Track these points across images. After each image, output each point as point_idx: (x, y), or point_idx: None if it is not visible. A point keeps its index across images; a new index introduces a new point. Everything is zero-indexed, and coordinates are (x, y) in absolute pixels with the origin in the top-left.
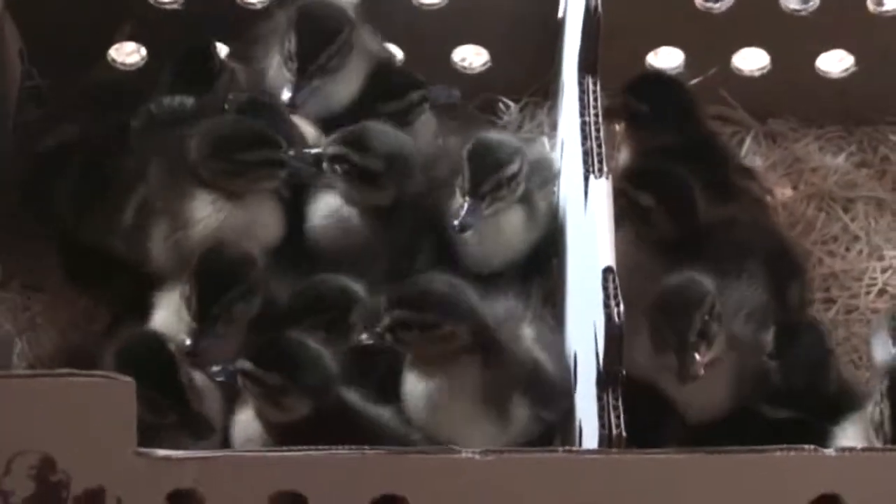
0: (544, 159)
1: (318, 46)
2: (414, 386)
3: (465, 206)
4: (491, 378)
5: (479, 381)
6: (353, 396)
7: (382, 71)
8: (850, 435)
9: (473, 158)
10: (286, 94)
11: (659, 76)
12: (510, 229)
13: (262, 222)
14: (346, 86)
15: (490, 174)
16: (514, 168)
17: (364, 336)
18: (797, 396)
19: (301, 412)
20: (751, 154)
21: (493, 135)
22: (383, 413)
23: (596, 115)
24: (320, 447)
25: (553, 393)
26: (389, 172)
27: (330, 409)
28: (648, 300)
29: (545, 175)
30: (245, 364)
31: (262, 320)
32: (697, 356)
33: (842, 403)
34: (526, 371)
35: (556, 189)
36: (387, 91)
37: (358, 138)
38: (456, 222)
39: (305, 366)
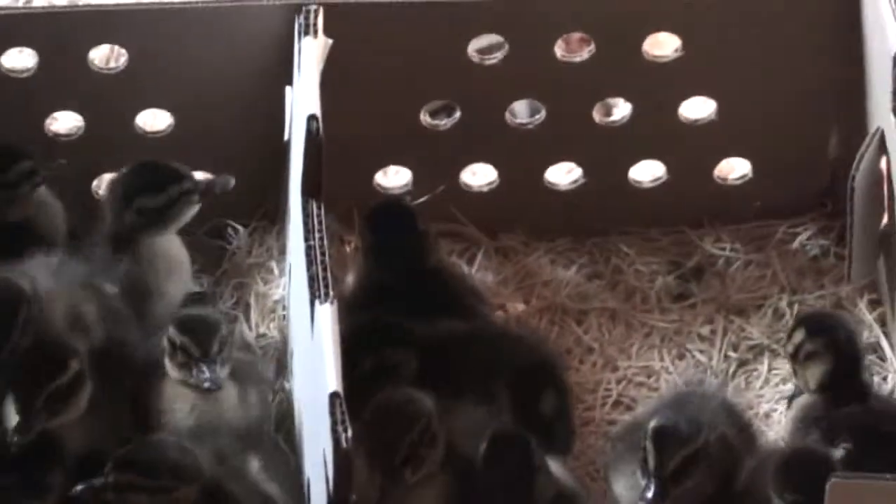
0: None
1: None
2: None
3: (204, 370)
4: None
5: None
6: None
7: (147, 165)
8: None
9: (190, 334)
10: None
11: (392, 206)
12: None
13: None
14: None
15: (213, 341)
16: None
17: (80, 488)
18: None
19: None
20: (482, 270)
21: (195, 311)
22: None
23: (321, 240)
24: None
25: None
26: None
27: None
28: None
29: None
30: None
31: None
32: (406, 476)
33: None
34: None
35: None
36: (148, 186)
37: None
38: (206, 386)
39: None
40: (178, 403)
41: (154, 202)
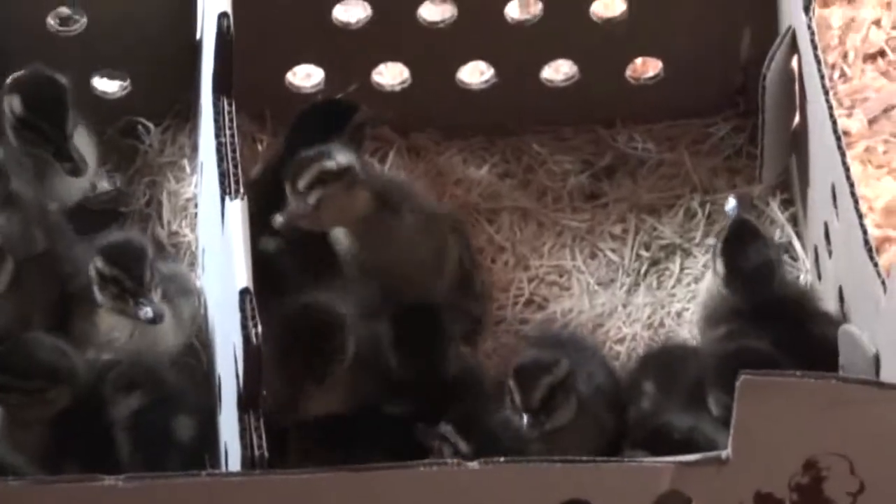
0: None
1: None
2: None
3: (143, 304)
4: None
5: None
6: None
7: None
8: None
9: (119, 266)
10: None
11: (322, 106)
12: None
13: None
14: None
15: (144, 270)
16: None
17: None
18: (414, 387)
19: None
20: (395, 168)
21: (117, 238)
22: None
23: (232, 136)
24: None
25: None
26: None
27: None
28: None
29: (184, 287)
30: None
31: None
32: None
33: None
34: None
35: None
36: None
37: None
38: (149, 318)
39: None
40: (116, 332)
41: None
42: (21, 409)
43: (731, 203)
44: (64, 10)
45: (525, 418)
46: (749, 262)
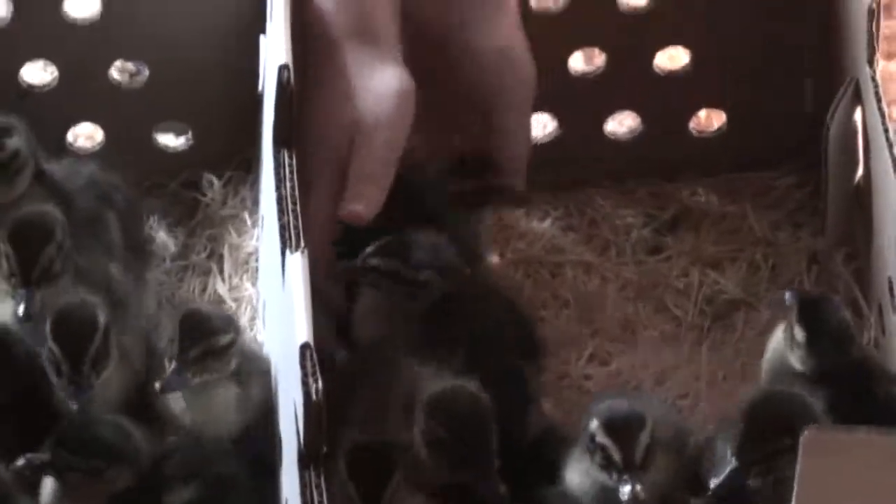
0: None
1: (35, 254)
2: None
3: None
4: None
5: None
6: None
7: None
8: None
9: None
10: (19, 309)
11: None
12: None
13: None
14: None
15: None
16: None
17: (21, 463)
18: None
19: None
20: None
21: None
22: None
23: (292, 189)
24: None
25: None
26: None
27: None
28: None
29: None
30: None
31: None
32: None
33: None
34: None
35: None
36: None
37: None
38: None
39: None
40: (173, 405)
41: None
42: (79, 488)
43: (788, 296)
44: (129, 65)
45: (626, 478)
46: (828, 322)
